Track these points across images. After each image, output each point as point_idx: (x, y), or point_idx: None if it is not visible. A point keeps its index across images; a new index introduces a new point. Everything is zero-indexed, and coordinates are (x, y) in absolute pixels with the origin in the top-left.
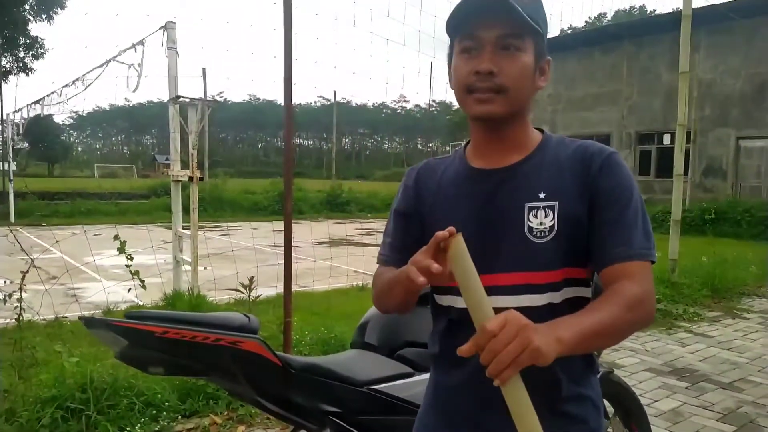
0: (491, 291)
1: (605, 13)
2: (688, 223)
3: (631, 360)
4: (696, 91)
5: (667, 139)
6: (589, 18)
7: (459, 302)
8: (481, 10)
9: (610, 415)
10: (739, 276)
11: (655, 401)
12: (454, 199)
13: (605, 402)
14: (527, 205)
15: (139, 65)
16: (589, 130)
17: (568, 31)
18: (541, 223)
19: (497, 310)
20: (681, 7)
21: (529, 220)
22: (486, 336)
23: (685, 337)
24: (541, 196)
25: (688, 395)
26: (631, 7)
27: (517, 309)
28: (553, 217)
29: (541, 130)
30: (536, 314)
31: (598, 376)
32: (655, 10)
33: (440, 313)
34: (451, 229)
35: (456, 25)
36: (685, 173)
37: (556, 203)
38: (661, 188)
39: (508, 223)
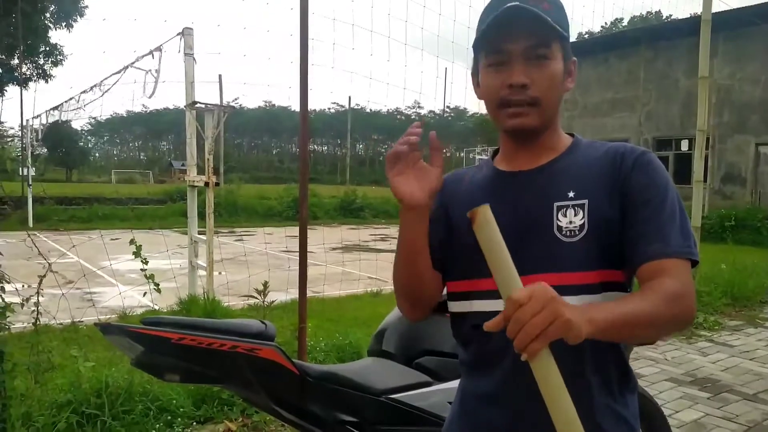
0: None
1: (622, 18)
2: (707, 230)
3: (652, 369)
4: (714, 97)
5: (685, 146)
6: (606, 23)
7: (474, 306)
8: (508, 23)
9: None
10: (760, 284)
11: (677, 412)
12: (481, 201)
13: None
14: (556, 204)
15: (156, 71)
16: (605, 135)
17: (585, 36)
18: (570, 222)
19: None
20: (697, 12)
21: (558, 219)
22: (513, 306)
23: (706, 346)
24: (570, 195)
25: (711, 406)
26: (647, 12)
27: None
28: (583, 216)
29: (572, 135)
30: None
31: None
32: (671, 15)
33: (457, 319)
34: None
35: (482, 40)
36: (705, 180)
37: (585, 202)
38: (680, 195)
39: (537, 223)
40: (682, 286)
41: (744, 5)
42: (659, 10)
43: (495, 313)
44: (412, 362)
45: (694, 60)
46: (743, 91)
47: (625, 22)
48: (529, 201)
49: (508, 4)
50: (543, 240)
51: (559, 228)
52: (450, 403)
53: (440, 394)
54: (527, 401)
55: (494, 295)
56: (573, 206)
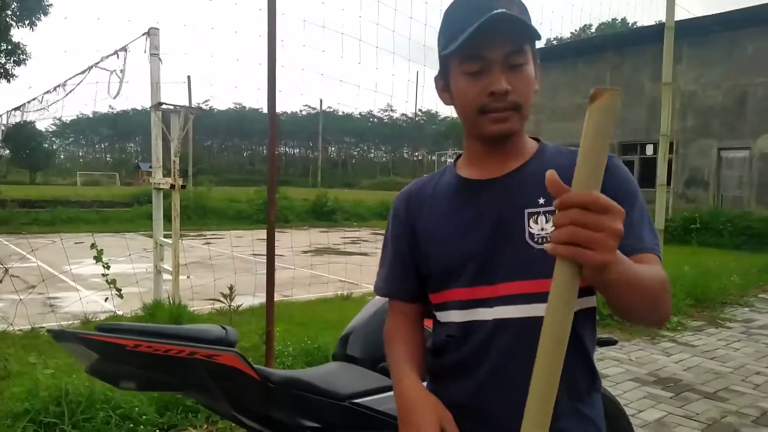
0: (495, 302)
1: (591, 25)
2: (671, 232)
3: (616, 370)
4: (678, 103)
5: (650, 150)
6: (575, 30)
7: (460, 317)
8: (489, 30)
9: None
10: (722, 285)
11: (640, 412)
12: (449, 212)
13: None
14: (527, 211)
15: (121, 71)
16: (573, 140)
17: (554, 42)
18: (542, 229)
19: (501, 322)
20: (662, 20)
21: (529, 226)
22: (579, 200)
23: (669, 346)
24: (541, 201)
25: (673, 405)
26: (613, 19)
27: (525, 320)
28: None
29: (537, 139)
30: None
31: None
32: (636, 23)
33: (440, 327)
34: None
35: (457, 45)
36: (668, 183)
37: None
38: (644, 198)
39: (509, 231)
40: (668, 279)
41: (707, 13)
42: (624, 17)
43: (468, 324)
44: (377, 366)
45: (659, 66)
46: (706, 96)
47: (593, 29)
48: (499, 208)
49: (495, 11)
50: (515, 247)
51: (531, 235)
52: None
53: None
54: (499, 410)
55: (467, 305)
56: (544, 213)
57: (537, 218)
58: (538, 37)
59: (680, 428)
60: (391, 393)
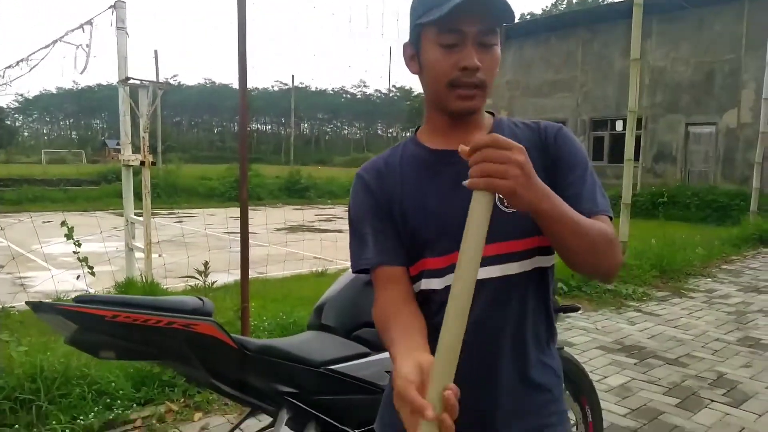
0: None
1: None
2: (639, 206)
3: (583, 338)
4: (648, 78)
5: (619, 126)
6: (546, 6)
7: (433, 284)
8: (471, 4)
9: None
10: (686, 257)
11: (605, 377)
12: (422, 184)
13: None
14: None
15: (87, 46)
16: (545, 116)
17: (527, 17)
18: None
19: (479, 282)
20: None
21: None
22: (485, 141)
23: (634, 316)
24: None
25: (637, 371)
26: None
27: (502, 278)
28: None
29: (491, 113)
30: (517, 281)
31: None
32: None
33: (418, 298)
34: None
35: (437, 16)
36: (637, 159)
37: None
38: (614, 173)
39: None
40: (614, 234)
41: None
42: None
43: (448, 288)
44: (350, 335)
45: (629, 42)
46: (675, 71)
47: (564, 3)
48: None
49: None
50: None
51: (501, 200)
52: (388, 372)
53: (378, 364)
54: (478, 364)
55: (446, 272)
56: None
57: None
58: (513, 20)
59: (643, 392)
60: (366, 360)
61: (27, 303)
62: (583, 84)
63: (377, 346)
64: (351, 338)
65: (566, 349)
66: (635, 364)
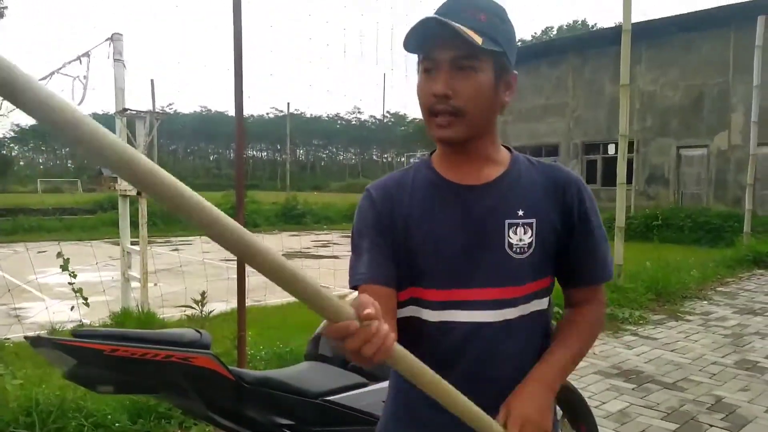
0: (470, 306)
1: (552, 27)
2: (633, 229)
3: (581, 364)
4: (638, 102)
5: (611, 149)
6: (536, 32)
7: (423, 314)
8: (432, 34)
9: (558, 417)
10: (681, 280)
11: (604, 403)
12: (429, 210)
13: None
14: (507, 221)
15: (85, 77)
16: (537, 141)
17: (518, 44)
18: (520, 240)
19: (476, 326)
20: (621, 22)
21: (509, 236)
22: None
23: (631, 339)
24: (520, 213)
25: (635, 396)
26: (574, 21)
27: (499, 324)
28: (532, 234)
29: (508, 148)
30: (516, 324)
31: None
32: (596, 24)
33: (403, 324)
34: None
35: (417, 46)
36: (629, 182)
37: (534, 221)
38: (607, 196)
39: (489, 239)
40: (604, 309)
41: (664, 15)
42: (585, 19)
43: (442, 324)
44: (347, 365)
45: (618, 67)
46: (665, 96)
47: (554, 31)
48: (481, 217)
49: (427, 17)
50: (494, 255)
51: (510, 245)
52: (385, 402)
53: (375, 395)
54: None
55: (442, 306)
56: (523, 224)
57: (516, 229)
58: (485, 49)
59: (642, 417)
60: (363, 390)
61: (26, 338)
62: (574, 109)
63: (374, 376)
64: (348, 368)
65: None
66: (633, 389)
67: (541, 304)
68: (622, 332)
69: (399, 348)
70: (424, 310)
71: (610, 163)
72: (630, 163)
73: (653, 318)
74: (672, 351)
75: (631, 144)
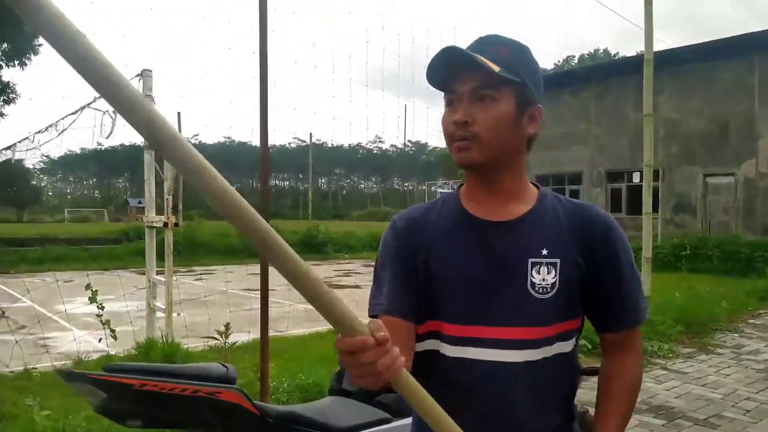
0: (489, 344)
1: (573, 56)
2: (661, 259)
3: None
4: (662, 130)
5: (636, 177)
6: (558, 61)
7: (442, 348)
8: (454, 66)
9: None
10: (711, 311)
11: None
12: (455, 245)
13: None
14: (531, 260)
15: (114, 112)
16: (560, 169)
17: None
18: (543, 279)
19: (494, 365)
20: (642, 51)
21: (532, 275)
22: None
23: (660, 374)
24: (544, 252)
25: None
26: (595, 50)
27: (517, 364)
28: (555, 275)
29: (536, 185)
30: (532, 370)
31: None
32: (618, 53)
33: (421, 358)
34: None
35: (437, 82)
36: (656, 210)
37: (558, 261)
38: (633, 225)
39: (511, 277)
40: (640, 355)
41: (684, 44)
42: (606, 48)
43: (459, 360)
44: (371, 400)
45: (641, 95)
46: (689, 124)
47: (576, 60)
48: (504, 254)
49: (449, 46)
50: (516, 294)
51: (533, 284)
52: None
53: (399, 431)
54: None
55: (459, 342)
56: (546, 264)
57: (540, 268)
58: (507, 80)
59: None
60: (387, 426)
61: (58, 372)
62: (597, 137)
63: (398, 412)
64: (372, 403)
65: (591, 411)
66: (663, 425)
67: (566, 346)
68: (651, 366)
69: (406, 373)
70: (442, 344)
71: (635, 191)
72: (656, 191)
73: (683, 351)
74: (703, 386)
75: (656, 172)
